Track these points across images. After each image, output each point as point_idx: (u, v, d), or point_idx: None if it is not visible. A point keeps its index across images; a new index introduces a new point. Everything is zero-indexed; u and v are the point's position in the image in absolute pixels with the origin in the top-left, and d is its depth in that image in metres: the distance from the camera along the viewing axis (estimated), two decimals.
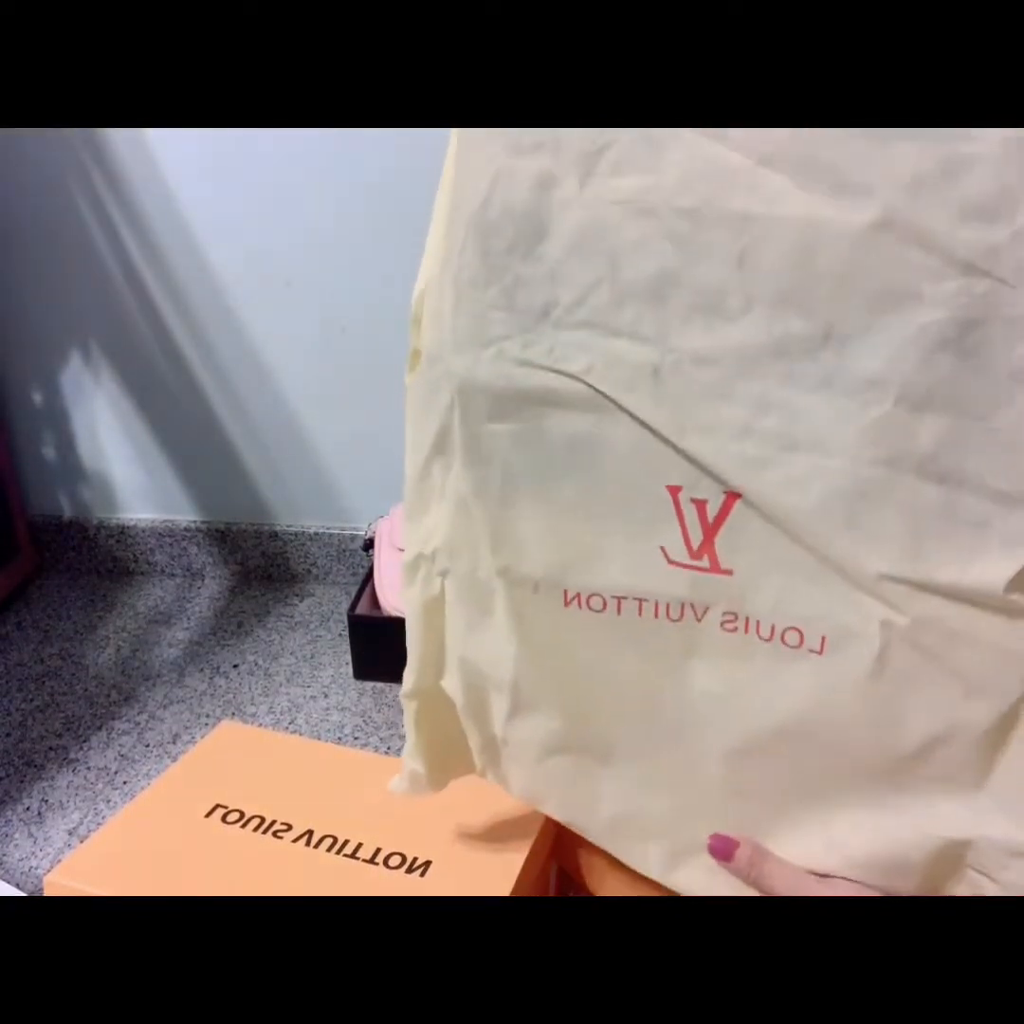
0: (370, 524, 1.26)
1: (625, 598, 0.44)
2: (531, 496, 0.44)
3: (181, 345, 1.24)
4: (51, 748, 1.03)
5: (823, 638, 0.40)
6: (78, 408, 1.31)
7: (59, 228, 1.19)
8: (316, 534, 1.33)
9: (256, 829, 0.58)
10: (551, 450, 0.43)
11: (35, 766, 1.00)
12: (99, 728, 1.05)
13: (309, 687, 1.12)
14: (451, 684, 0.49)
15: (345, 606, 1.26)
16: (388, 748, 1.01)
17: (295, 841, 0.57)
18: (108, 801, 0.94)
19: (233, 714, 1.07)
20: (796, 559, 0.39)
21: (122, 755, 1.01)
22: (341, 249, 1.15)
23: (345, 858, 0.56)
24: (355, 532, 1.32)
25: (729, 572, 0.41)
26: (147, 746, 1.02)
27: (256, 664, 1.17)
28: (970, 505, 0.36)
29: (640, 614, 0.44)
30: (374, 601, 1.16)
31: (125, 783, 0.97)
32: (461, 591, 0.47)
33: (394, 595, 1.13)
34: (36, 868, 0.86)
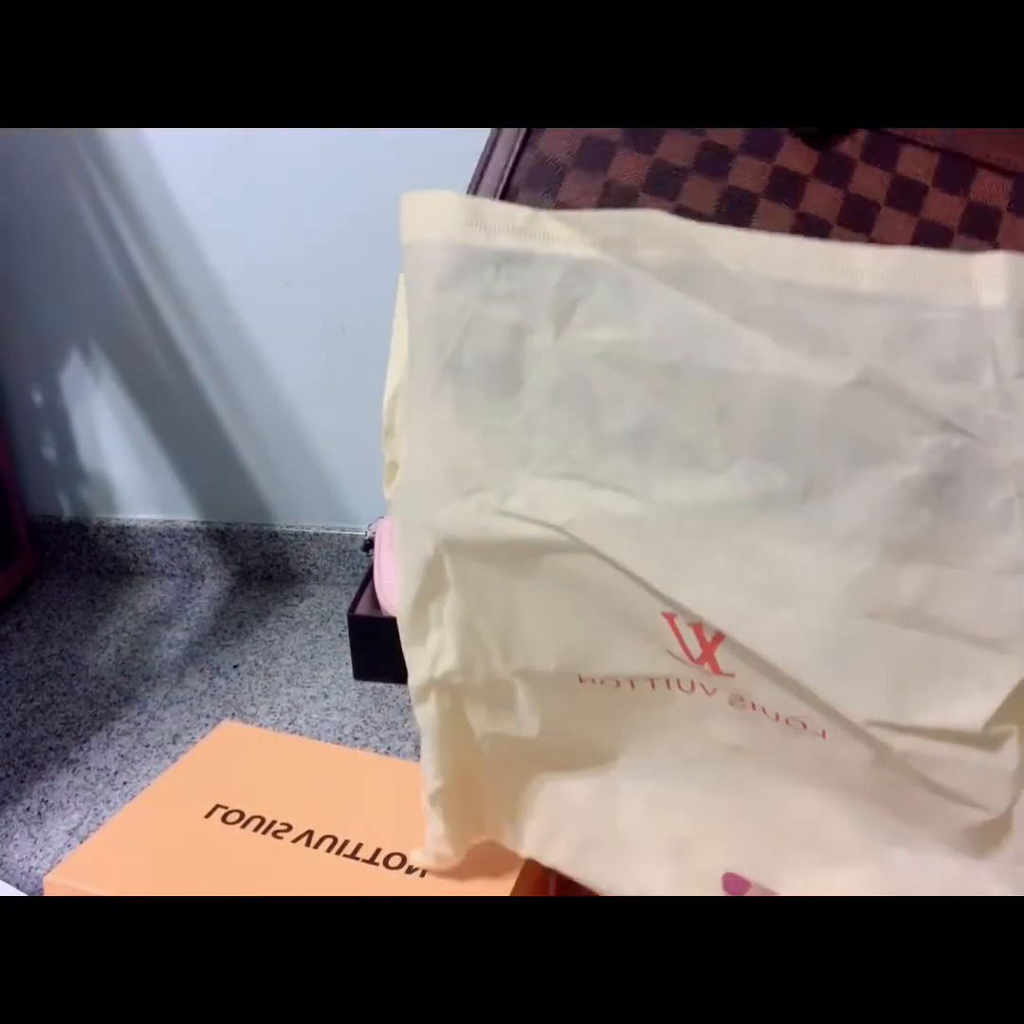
0: (370, 524, 1.26)
1: (637, 678, 0.45)
2: (534, 613, 0.45)
3: (181, 345, 1.24)
4: (51, 748, 1.03)
5: (824, 731, 0.42)
6: (78, 408, 1.30)
7: (59, 228, 1.19)
8: (316, 534, 1.33)
9: (256, 829, 0.58)
10: (545, 583, 0.44)
11: (35, 766, 1.00)
12: (99, 728, 1.05)
13: (309, 687, 1.12)
14: (478, 758, 0.51)
15: (345, 606, 1.26)
16: (388, 748, 1.01)
17: (295, 841, 0.57)
18: (108, 801, 0.94)
19: (233, 714, 1.07)
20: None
21: (122, 755, 1.01)
22: (341, 249, 1.15)
23: (345, 858, 0.56)
24: (355, 532, 1.32)
25: (731, 675, 0.43)
26: (147, 746, 1.02)
27: (256, 664, 1.17)
28: (951, 650, 0.37)
29: (653, 688, 0.46)
30: (374, 601, 1.16)
31: (125, 783, 0.97)
32: (479, 692, 0.48)
33: (394, 595, 1.12)
34: (36, 868, 0.86)
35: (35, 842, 0.89)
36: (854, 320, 0.35)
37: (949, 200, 0.49)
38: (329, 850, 0.57)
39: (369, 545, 1.24)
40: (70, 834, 0.90)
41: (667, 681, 0.45)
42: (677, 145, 0.49)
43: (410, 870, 0.55)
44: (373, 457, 1.27)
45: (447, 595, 0.46)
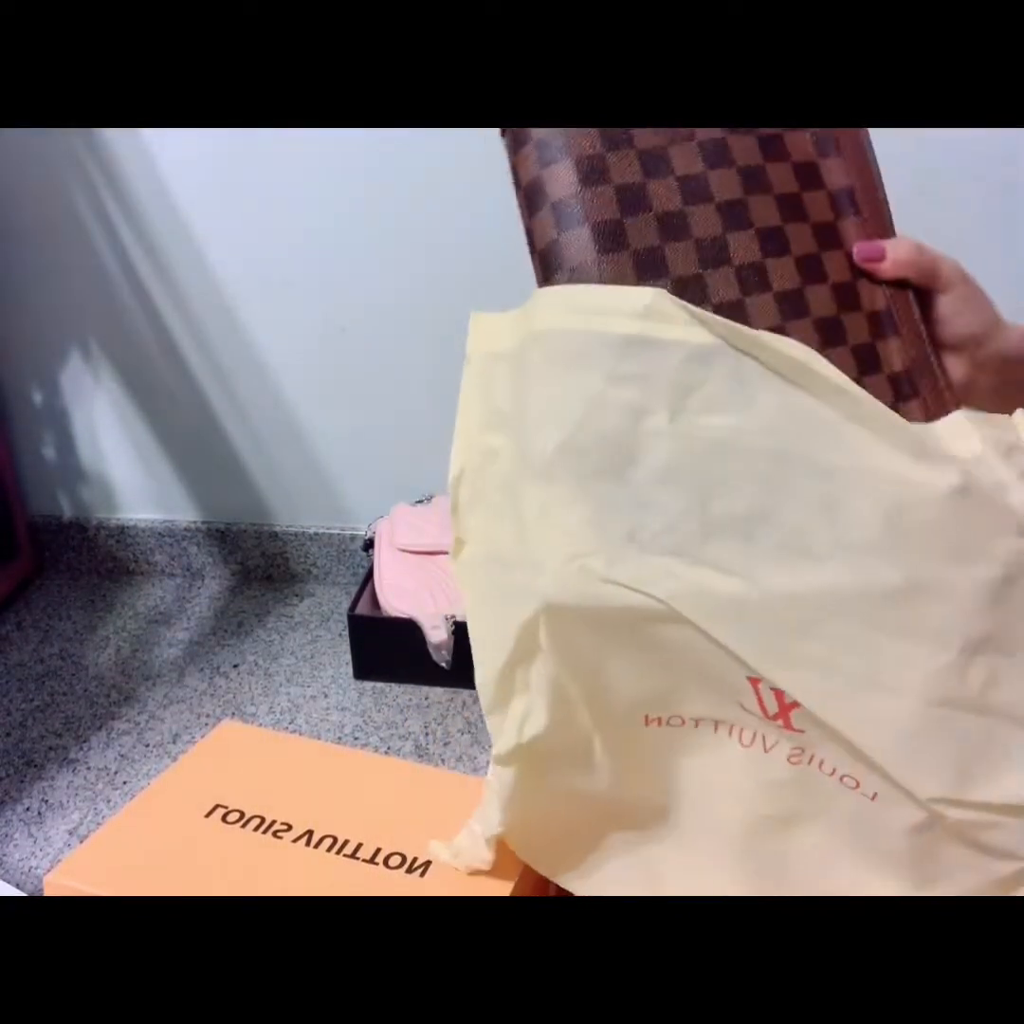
0: (370, 524, 1.26)
1: (702, 719, 0.47)
2: (620, 671, 0.47)
3: (181, 345, 1.24)
4: (51, 748, 1.03)
5: (876, 794, 0.44)
6: (78, 408, 1.31)
7: (59, 228, 1.19)
8: (316, 534, 1.33)
9: (256, 829, 0.58)
10: (640, 648, 0.46)
11: (35, 766, 1.00)
12: (99, 728, 1.05)
13: (309, 687, 1.12)
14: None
15: (345, 606, 1.26)
16: (388, 748, 1.02)
17: (295, 841, 0.57)
18: (108, 801, 0.94)
19: (233, 714, 1.07)
20: None
21: (122, 755, 1.01)
22: (341, 249, 1.15)
23: (345, 858, 0.56)
24: (355, 532, 1.32)
25: (801, 731, 0.45)
26: (147, 746, 1.02)
27: (256, 664, 1.17)
28: (1003, 732, 0.41)
29: (714, 731, 0.48)
30: (374, 601, 1.16)
31: (125, 783, 0.97)
32: (561, 752, 0.49)
33: (394, 595, 1.13)
34: (36, 868, 0.86)
35: (35, 842, 0.90)
36: (954, 434, 0.42)
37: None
38: (329, 850, 0.57)
39: (369, 545, 1.24)
40: (70, 834, 0.90)
41: (730, 728, 0.47)
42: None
43: (410, 870, 0.55)
44: (373, 457, 1.27)
45: (536, 660, 0.47)
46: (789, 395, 0.41)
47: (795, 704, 0.44)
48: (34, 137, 1.14)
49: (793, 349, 0.42)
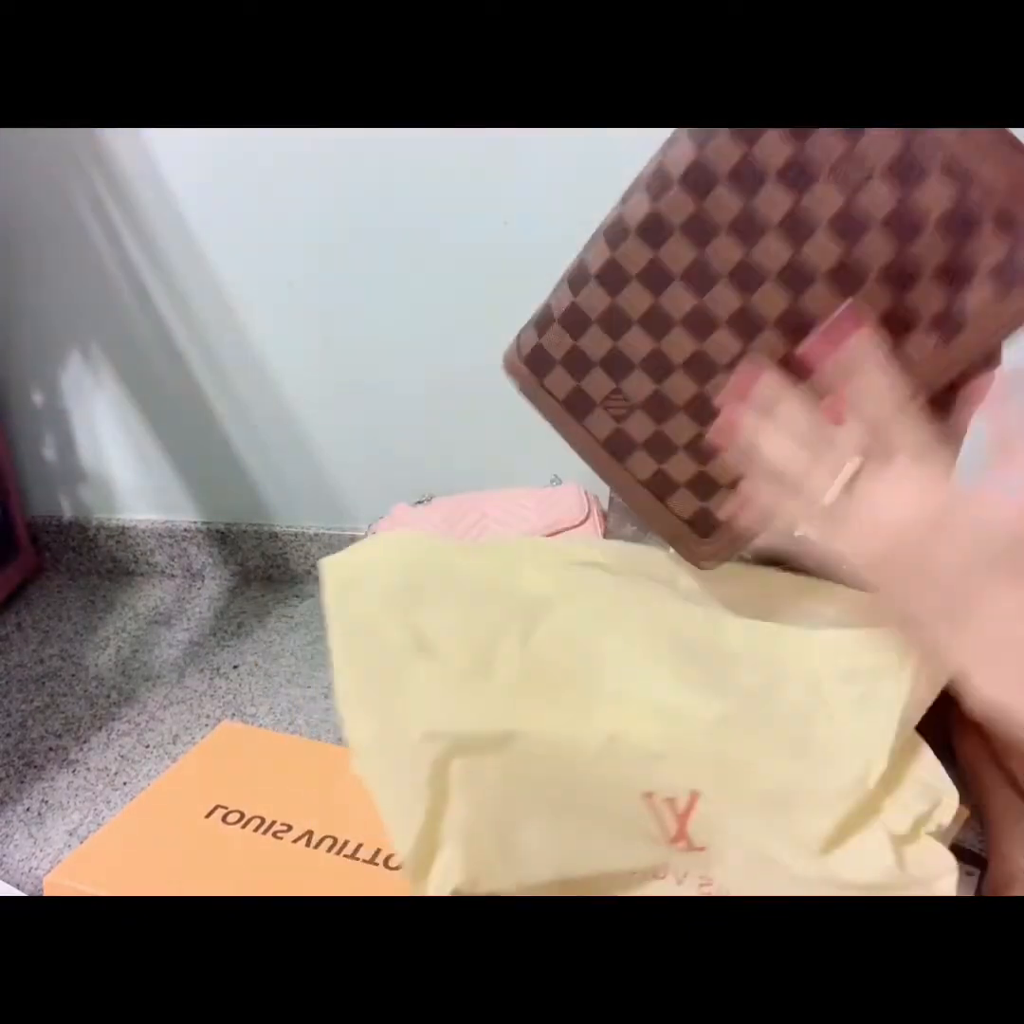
0: (370, 524, 1.26)
1: (620, 874, 0.54)
2: (529, 816, 0.53)
3: (181, 345, 1.24)
4: (51, 748, 1.03)
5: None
6: (78, 408, 1.30)
7: (59, 228, 1.19)
8: (316, 534, 1.33)
9: (256, 829, 0.58)
10: (531, 773, 0.53)
11: (35, 766, 1.00)
12: (99, 728, 1.05)
13: (309, 687, 1.12)
14: None
15: None
16: None
17: (295, 841, 0.57)
18: (108, 801, 0.94)
19: (233, 714, 1.07)
20: (751, 830, 0.52)
21: (122, 756, 1.01)
22: (342, 249, 1.15)
23: (345, 858, 0.56)
24: (355, 532, 1.32)
25: (702, 849, 0.53)
26: (147, 747, 1.02)
27: (256, 664, 1.17)
28: None
29: (630, 877, 0.54)
30: None
31: (125, 784, 0.97)
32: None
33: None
34: (36, 868, 0.86)
35: (35, 842, 0.89)
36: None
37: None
38: (329, 850, 0.57)
39: None
40: (70, 834, 0.90)
41: (644, 874, 0.53)
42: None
43: None
44: (373, 457, 1.27)
45: (448, 807, 0.52)
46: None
47: (689, 811, 0.51)
48: (34, 137, 1.14)
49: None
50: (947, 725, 0.70)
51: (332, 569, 0.62)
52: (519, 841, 0.52)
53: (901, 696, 0.54)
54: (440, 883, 0.51)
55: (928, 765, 0.55)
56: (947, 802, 0.53)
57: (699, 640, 0.58)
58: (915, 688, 0.55)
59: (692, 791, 0.51)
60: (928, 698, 0.57)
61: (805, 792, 0.51)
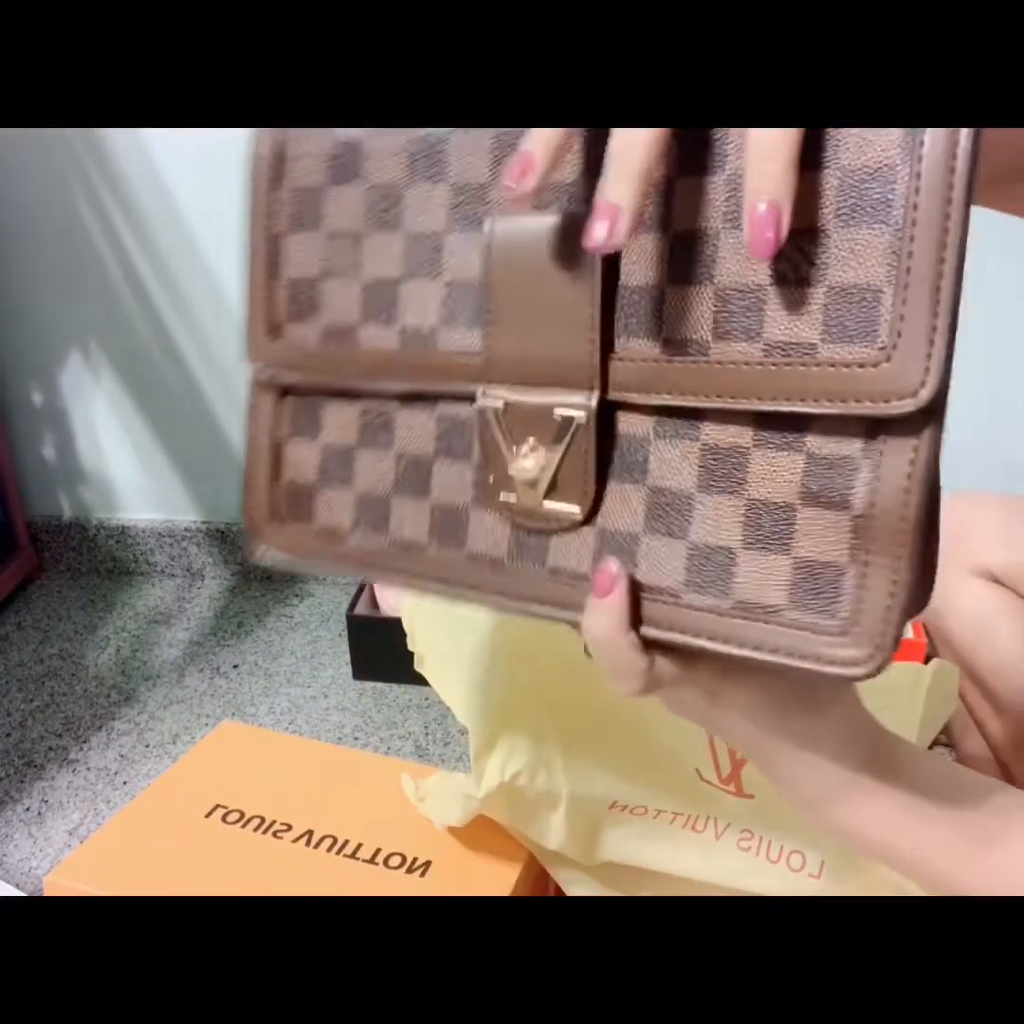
0: None
1: (663, 811, 0.53)
2: (593, 728, 0.54)
3: (181, 345, 1.24)
4: (51, 748, 1.03)
5: (822, 863, 0.50)
6: (78, 408, 1.30)
7: (59, 228, 1.19)
8: None
9: (256, 829, 0.58)
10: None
11: (35, 766, 1.00)
12: (99, 728, 1.05)
13: (309, 687, 1.12)
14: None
15: (345, 606, 1.26)
16: (388, 748, 1.01)
17: (295, 841, 0.57)
18: (108, 801, 0.94)
19: (233, 714, 1.07)
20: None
21: (122, 755, 1.01)
22: None
23: (345, 858, 0.56)
24: None
25: (751, 796, 0.52)
26: (147, 746, 1.02)
27: (256, 664, 1.17)
28: None
29: (671, 823, 0.53)
30: (373, 601, 1.16)
31: (125, 783, 0.97)
32: (529, 800, 0.54)
33: (392, 596, 1.12)
34: (36, 868, 0.86)
35: (35, 842, 0.89)
36: None
37: None
38: (329, 850, 0.57)
39: None
40: (70, 834, 0.90)
41: (686, 819, 0.53)
42: None
43: (410, 870, 0.55)
44: None
45: (518, 704, 0.54)
46: None
47: (745, 761, 0.50)
48: (34, 137, 1.14)
49: None
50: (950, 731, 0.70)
51: None
52: (583, 753, 0.53)
53: (917, 712, 0.55)
54: (502, 764, 0.53)
55: None
56: None
57: None
58: (930, 704, 0.55)
59: None
60: (944, 715, 0.57)
61: None
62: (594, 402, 0.32)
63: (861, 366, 0.28)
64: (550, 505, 0.34)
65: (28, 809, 0.94)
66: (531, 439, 0.34)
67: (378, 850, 0.57)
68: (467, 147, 0.36)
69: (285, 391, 0.39)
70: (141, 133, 1.12)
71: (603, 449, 0.33)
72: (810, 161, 0.29)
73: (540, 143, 0.31)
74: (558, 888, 0.59)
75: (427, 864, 0.55)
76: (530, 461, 0.34)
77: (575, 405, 0.32)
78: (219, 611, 1.29)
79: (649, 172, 0.29)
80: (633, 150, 0.30)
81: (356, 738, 1.03)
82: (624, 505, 0.33)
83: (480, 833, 0.56)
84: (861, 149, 0.28)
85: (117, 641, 1.22)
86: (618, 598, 0.32)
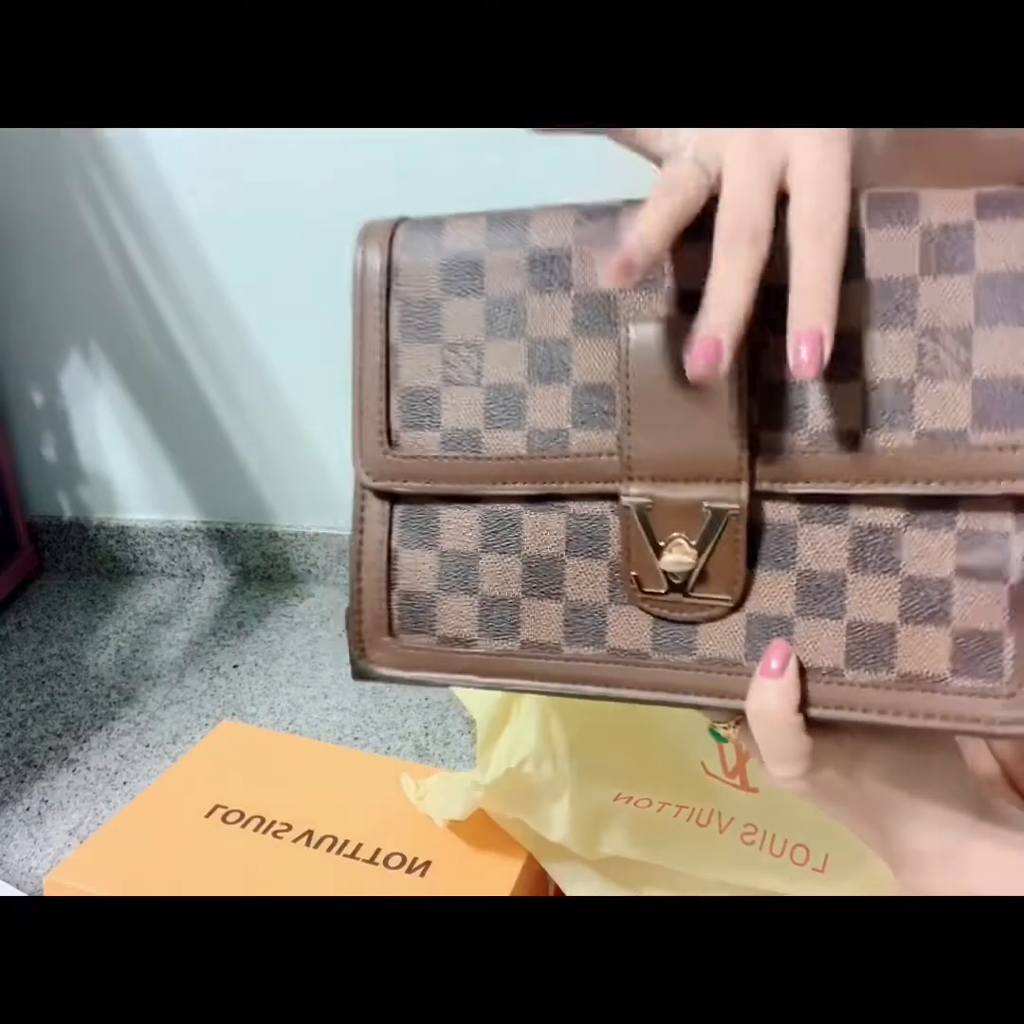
0: None
1: (668, 804, 0.53)
2: (598, 721, 0.53)
3: (181, 345, 1.24)
4: (51, 748, 1.03)
5: (826, 858, 0.49)
6: (78, 408, 1.31)
7: (59, 228, 1.19)
8: (316, 534, 1.33)
9: (256, 829, 0.58)
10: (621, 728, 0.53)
11: (35, 766, 1.00)
12: (99, 728, 1.05)
13: (309, 687, 1.12)
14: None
15: (345, 606, 1.26)
16: (388, 748, 1.01)
17: (295, 841, 0.57)
18: (108, 801, 0.94)
19: (233, 714, 1.07)
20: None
21: (122, 755, 1.01)
22: (342, 249, 1.15)
23: (345, 858, 0.56)
24: None
25: (755, 791, 0.52)
26: (147, 746, 1.02)
27: (256, 664, 1.17)
28: None
29: (676, 817, 0.53)
30: None
31: (125, 783, 0.97)
32: (533, 788, 0.54)
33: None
34: (36, 868, 0.86)
35: (35, 842, 0.89)
36: None
37: None
38: (329, 850, 0.57)
39: None
40: (70, 834, 0.90)
41: (690, 812, 0.53)
42: None
43: (410, 870, 0.55)
44: None
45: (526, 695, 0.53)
46: None
47: (749, 754, 0.48)
48: (34, 137, 1.14)
49: None
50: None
51: None
52: (589, 744, 0.53)
53: None
54: (509, 751, 0.53)
55: None
56: None
57: None
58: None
59: None
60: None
61: None
62: (745, 494, 0.33)
63: (1014, 449, 0.30)
64: (699, 595, 0.35)
65: (28, 809, 0.94)
66: (676, 533, 0.34)
67: (378, 850, 0.57)
68: (585, 256, 0.36)
69: (396, 497, 0.40)
70: (142, 133, 1.12)
71: (751, 537, 0.34)
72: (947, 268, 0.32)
73: (642, 235, 0.31)
74: (558, 888, 0.59)
75: (427, 864, 0.56)
76: (679, 554, 0.34)
77: (725, 498, 0.33)
78: (219, 611, 1.29)
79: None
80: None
81: (356, 738, 1.03)
82: (774, 590, 0.34)
83: (480, 833, 0.56)
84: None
85: (117, 641, 1.22)
86: (790, 677, 0.33)
